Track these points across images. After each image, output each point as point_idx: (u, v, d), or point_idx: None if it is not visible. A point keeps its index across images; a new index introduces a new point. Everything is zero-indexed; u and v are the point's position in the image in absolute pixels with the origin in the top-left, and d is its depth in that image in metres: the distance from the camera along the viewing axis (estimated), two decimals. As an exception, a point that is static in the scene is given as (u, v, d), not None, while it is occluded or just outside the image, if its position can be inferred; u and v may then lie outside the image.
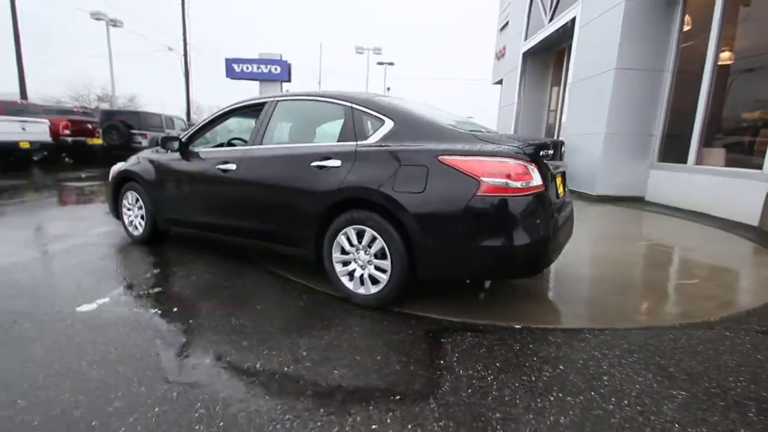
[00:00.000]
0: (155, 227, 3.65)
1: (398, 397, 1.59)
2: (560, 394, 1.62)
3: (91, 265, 3.10)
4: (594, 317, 2.49)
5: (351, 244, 2.45)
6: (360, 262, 2.44)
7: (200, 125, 3.39)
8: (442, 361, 1.86)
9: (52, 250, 3.50)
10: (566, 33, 9.95)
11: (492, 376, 1.74)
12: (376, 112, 2.50)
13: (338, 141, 2.57)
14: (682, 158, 6.63)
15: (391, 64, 35.89)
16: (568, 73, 10.91)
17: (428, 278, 2.27)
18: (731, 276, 3.50)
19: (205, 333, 2.08)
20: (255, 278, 2.92)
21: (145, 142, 11.61)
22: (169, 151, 3.47)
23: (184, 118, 21.10)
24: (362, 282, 2.45)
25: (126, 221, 3.87)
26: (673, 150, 6.94)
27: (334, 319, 2.28)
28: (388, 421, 1.44)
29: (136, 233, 3.80)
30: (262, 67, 32.86)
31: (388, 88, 39.13)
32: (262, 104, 3.09)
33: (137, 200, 3.72)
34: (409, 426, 1.42)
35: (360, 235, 2.41)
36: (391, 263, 2.29)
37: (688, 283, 3.16)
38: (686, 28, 6.74)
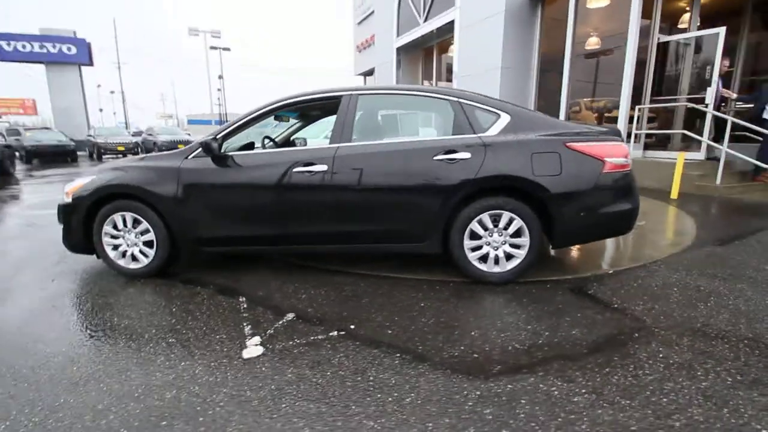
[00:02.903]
0: (171, 253, 2.92)
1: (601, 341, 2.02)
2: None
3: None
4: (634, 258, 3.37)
5: (485, 229, 2.65)
6: (495, 243, 2.67)
7: (238, 123, 2.87)
8: (615, 305, 2.36)
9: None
10: (439, 33, 11.31)
11: (653, 303, 2.33)
12: (489, 107, 2.71)
13: (454, 134, 2.68)
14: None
15: (227, 49, 32.90)
16: (440, 69, 12.46)
17: (561, 246, 2.70)
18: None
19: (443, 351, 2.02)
20: (376, 284, 2.76)
21: None
22: (193, 156, 2.82)
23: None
24: (496, 261, 2.69)
25: (113, 254, 2.94)
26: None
27: (490, 302, 2.49)
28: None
29: (136, 265, 2.94)
30: (48, 46, 25.84)
31: (220, 76, 35.79)
32: (333, 98, 2.86)
33: (136, 223, 2.88)
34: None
35: (495, 219, 2.63)
36: (531, 239, 2.61)
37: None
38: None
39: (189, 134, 22.45)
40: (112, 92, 52.55)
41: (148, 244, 2.91)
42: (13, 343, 2.05)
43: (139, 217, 2.86)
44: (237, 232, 2.84)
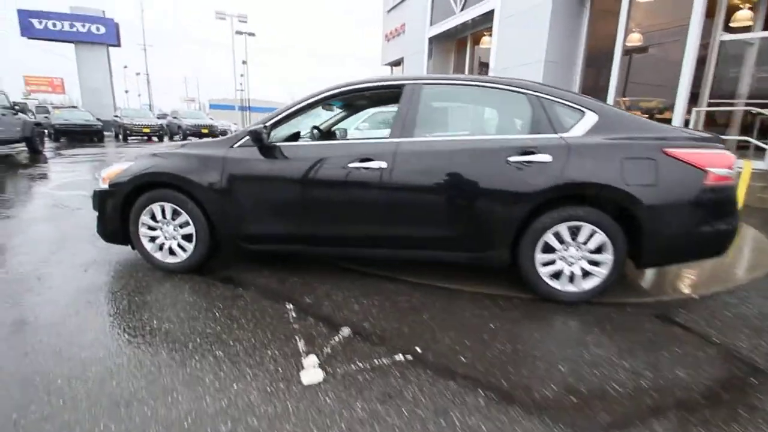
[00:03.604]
0: (213, 248, 2.72)
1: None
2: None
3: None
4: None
5: (561, 242, 2.35)
6: (571, 259, 2.37)
7: (288, 111, 2.62)
8: (714, 339, 2.04)
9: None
10: (475, 24, 10.84)
11: (759, 338, 2.01)
12: (573, 103, 2.39)
13: (531, 133, 2.38)
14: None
15: (252, 34, 32.78)
16: (473, 61, 12.01)
17: (650, 265, 2.39)
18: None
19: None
20: (432, 296, 2.50)
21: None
22: (240, 145, 2.59)
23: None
24: (571, 279, 2.39)
25: (149, 246, 2.75)
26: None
27: (569, 326, 2.20)
28: None
29: (173, 260, 2.75)
30: (78, 25, 26.07)
31: (244, 62, 35.74)
32: (393, 88, 2.58)
33: (176, 214, 2.68)
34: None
35: (573, 231, 2.33)
36: (614, 256, 2.30)
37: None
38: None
39: (212, 119, 22.49)
40: (137, 74, 53.22)
41: (187, 237, 2.71)
42: (46, 344, 1.87)
43: (178, 209, 2.65)
44: (283, 230, 2.61)
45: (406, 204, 2.43)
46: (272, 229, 2.62)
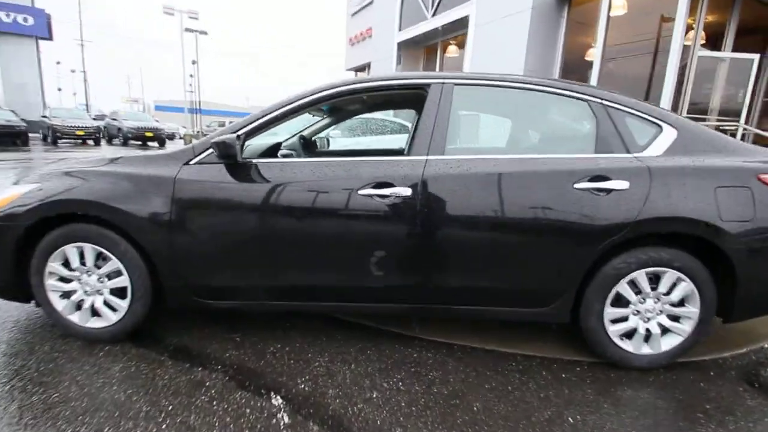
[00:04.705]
0: (155, 304, 1.93)
1: None
2: None
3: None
4: None
5: (637, 293, 1.82)
6: (648, 313, 1.84)
7: (268, 117, 1.90)
8: None
9: None
10: (446, 30, 10.51)
11: None
12: (648, 114, 1.87)
13: (598, 152, 1.83)
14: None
15: (203, 32, 30.87)
16: (443, 70, 11.69)
17: (742, 318, 1.90)
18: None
19: None
20: (471, 365, 1.86)
21: None
22: (199, 161, 1.84)
23: None
24: (646, 339, 1.87)
25: (62, 305, 1.90)
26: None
27: (659, 409, 1.66)
28: None
29: (99, 324, 1.93)
30: (1, 14, 23.22)
31: (194, 62, 33.65)
32: (415, 87, 1.94)
33: (102, 259, 1.87)
34: None
35: (653, 278, 1.80)
36: (702, 309, 1.80)
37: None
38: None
39: (158, 121, 20.66)
40: (72, 71, 48.69)
41: (119, 292, 1.90)
42: None
43: (105, 251, 1.84)
44: (260, 281, 1.89)
45: (436, 245, 1.79)
46: (245, 280, 1.89)
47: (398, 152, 2.97)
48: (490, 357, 1.93)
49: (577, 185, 1.73)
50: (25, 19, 23.17)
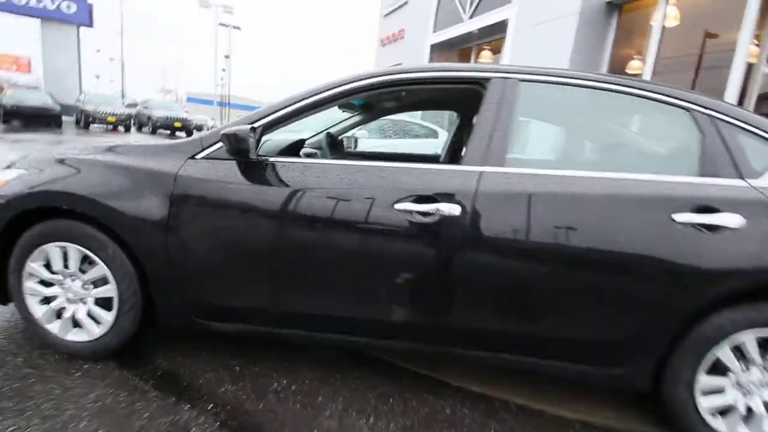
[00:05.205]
0: (145, 320, 1.64)
1: None
2: None
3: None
4: None
5: (741, 360, 1.42)
6: (752, 387, 1.43)
7: (290, 109, 1.58)
8: None
9: None
10: (482, 34, 10.10)
11: None
12: (765, 130, 1.47)
13: (702, 175, 1.44)
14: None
15: (237, 27, 31.32)
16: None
17: None
18: None
19: None
20: (495, 425, 1.50)
21: None
22: (205, 156, 1.54)
23: None
24: (745, 418, 1.46)
25: (40, 312, 1.64)
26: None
27: None
28: None
29: (79, 337, 1.65)
30: (46, 1, 24.18)
31: (227, 56, 34.13)
32: (472, 81, 1.60)
33: (87, 263, 1.60)
34: None
35: (763, 344, 1.40)
36: (826, 388, 1.39)
37: None
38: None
39: (187, 112, 20.91)
40: (111, 59, 50.35)
41: (104, 302, 1.62)
42: None
43: (91, 255, 1.57)
44: (270, 303, 1.58)
45: (486, 280, 1.44)
46: (253, 301, 1.58)
47: (433, 159, 2.65)
48: (542, 421, 1.56)
49: (676, 216, 1.35)
50: (68, 7, 24.14)
